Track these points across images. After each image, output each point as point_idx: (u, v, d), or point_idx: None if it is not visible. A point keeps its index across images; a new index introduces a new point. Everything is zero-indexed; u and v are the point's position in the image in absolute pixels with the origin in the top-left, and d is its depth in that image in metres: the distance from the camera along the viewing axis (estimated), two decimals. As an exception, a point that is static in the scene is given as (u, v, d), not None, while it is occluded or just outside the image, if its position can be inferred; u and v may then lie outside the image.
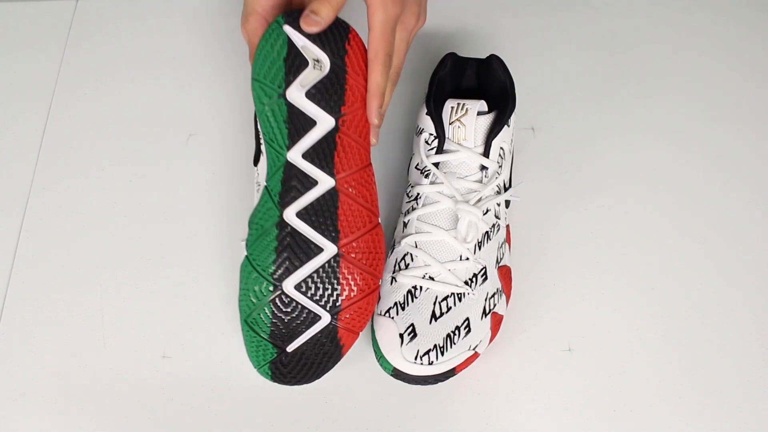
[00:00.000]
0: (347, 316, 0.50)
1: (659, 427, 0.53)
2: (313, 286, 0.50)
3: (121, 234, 0.61)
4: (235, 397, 0.54)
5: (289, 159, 0.50)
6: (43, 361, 0.56)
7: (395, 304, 0.53)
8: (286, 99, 0.50)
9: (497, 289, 0.54)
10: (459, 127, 0.53)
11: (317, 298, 0.50)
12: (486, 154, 0.54)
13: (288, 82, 0.50)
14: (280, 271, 0.50)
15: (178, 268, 0.60)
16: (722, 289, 0.58)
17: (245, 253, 0.52)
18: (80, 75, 0.69)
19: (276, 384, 0.52)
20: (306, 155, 0.50)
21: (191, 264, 0.60)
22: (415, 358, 0.50)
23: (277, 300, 0.50)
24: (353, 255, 0.50)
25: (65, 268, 0.60)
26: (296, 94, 0.50)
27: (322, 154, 0.50)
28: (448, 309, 0.52)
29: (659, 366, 0.55)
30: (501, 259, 0.56)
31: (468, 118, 0.53)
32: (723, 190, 0.63)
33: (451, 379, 0.52)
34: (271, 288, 0.50)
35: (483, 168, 0.54)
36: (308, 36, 0.50)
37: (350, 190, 0.51)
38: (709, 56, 0.69)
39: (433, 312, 0.52)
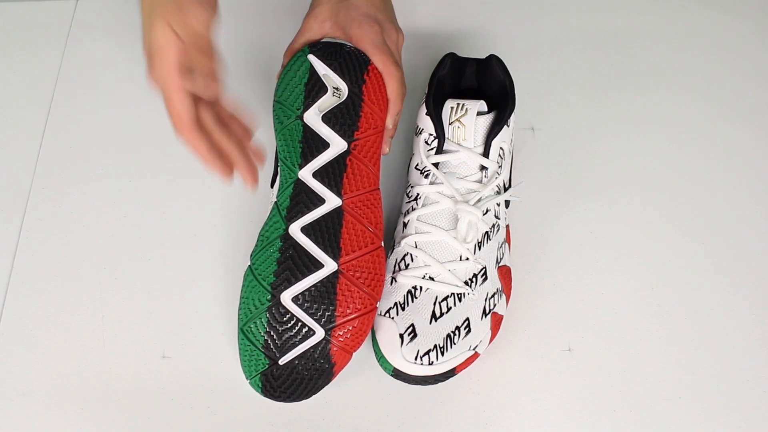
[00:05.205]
0: (341, 333, 0.50)
1: (659, 427, 0.53)
2: (310, 300, 0.50)
3: (121, 234, 0.61)
4: (235, 397, 0.54)
5: (300, 177, 0.53)
6: (43, 361, 0.56)
7: (395, 304, 0.53)
8: (302, 121, 0.54)
9: (497, 289, 0.54)
10: (459, 127, 0.53)
11: (313, 311, 0.50)
12: (486, 154, 0.54)
13: (306, 106, 0.54)
14: (279, 282, 0.51)
15: (178, 268, 0.60)
16: (722, 289, 0.58)
17: (249, 263, 0.53)
18: (80, 75, 0.69)
19: (268, 400, 0.51)
20: (316, 174, 0.53)
21: (191, 264, 0.60)
22: (415, 359, 0.50)
23: (273, 310, 0.50)
24: (352, 273, 0.51)
25: (65, 268, 0.60)
26: (313, 117, 0.54)
27: (332, 174, 0.53)
28: (448, 309, 0.52)
29: (659, 366, 0.55)
30: (501, 259, 0.56)
31: (468, 118, 0.53)
32: (723, 190, 0.63)
33: (451, 379, 0.52)
34: (268, 297, 0.51)
35: (483, 168, 0.54)
36: (330, 65, 0.55)
37: (356, 210, 0.52)
38: (710, 56, 0.69)
39: (433, 312, 0.52)
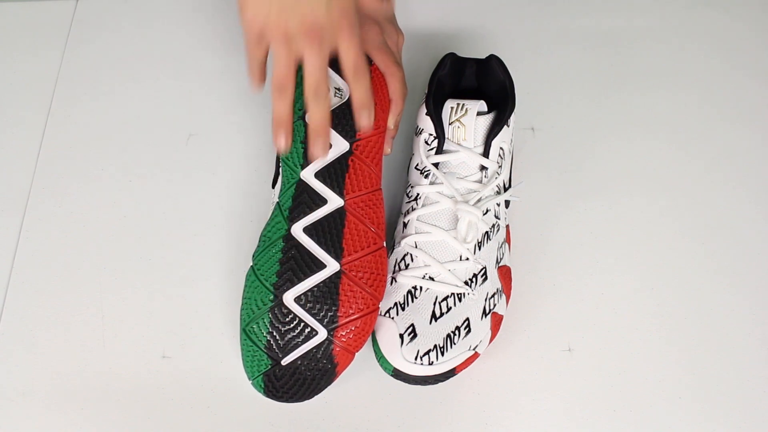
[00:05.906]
0: (343, 334, 0.50)
1: (659, 427, 0.53)
2: (312, 300, 0.50)
3: (121, 234, 0.61)
4: (235, 397, 0.54)
5: (302, 177, 0.53)
6: (43, 361, 0.56)
7: (395, 304, 0.53)
8: (305, 121, 0.53)
9: (497, 289, 0.54)
10: (459, 127, 0.53)
11: (315, 312, 0.50)
12: (486, 154, 0.54)
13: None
14: (281, 283, 0.51)
15: (178, 268, 0.60)
16: (722, 289, 0.58)
17: (251, 263, 0.53)
18: (80, 75, 0.69)
19: (269, 400, 0.51)
20: (318, 175, 0.53)
21: (191, 264, 0.60)
22: (415, 359, 0.50)
23: (275, 310, 0.50)
24: (354, 273, 0.51)
25: (65, 268, 0.60)
26: None
27: (334, 174, 0.52)
28: (448, 309, 0.52)
29: (659, 366, 0.55)
30: (501, 259, 0.56)
31: (468, 119, 0.53)
32: (723, 190, 0.63)
33: (451, 379, 0.52)
34: (271, 298, 0.51)
35: (483, 168, 0.54)
36: (331, 65, 0.53)
37: (358, 211, 0.52)
38: (710, 56, 0.69)
39: (433, 312, 0.52)
